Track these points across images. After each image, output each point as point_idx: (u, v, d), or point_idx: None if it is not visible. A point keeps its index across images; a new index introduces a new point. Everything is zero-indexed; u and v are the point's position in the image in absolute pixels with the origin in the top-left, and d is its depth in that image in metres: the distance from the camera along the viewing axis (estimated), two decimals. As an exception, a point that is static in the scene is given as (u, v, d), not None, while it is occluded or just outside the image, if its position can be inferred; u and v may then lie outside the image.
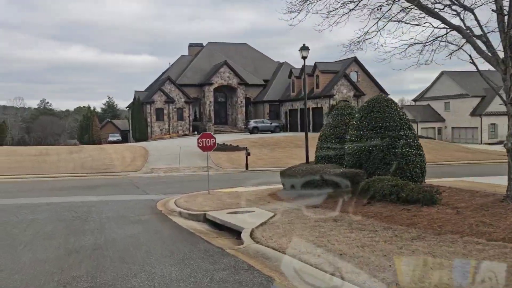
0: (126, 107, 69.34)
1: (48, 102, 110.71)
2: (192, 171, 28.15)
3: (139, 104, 54.82)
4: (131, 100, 60.58)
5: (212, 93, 56.27)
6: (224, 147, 36.72)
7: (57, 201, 15.80)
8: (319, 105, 48.78)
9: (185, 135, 53.89)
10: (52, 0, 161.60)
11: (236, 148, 36.23)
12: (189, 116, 56.19)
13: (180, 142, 43.28)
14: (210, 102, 56.15)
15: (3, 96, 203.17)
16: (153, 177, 25.90)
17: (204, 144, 16.72)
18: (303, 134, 48.15)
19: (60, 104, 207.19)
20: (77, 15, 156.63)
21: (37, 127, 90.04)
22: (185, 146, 39.19)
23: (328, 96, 46.97)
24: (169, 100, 54.89)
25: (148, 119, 54.35)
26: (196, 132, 54.99)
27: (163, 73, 65.53)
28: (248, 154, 28.32)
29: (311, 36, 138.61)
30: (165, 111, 54.97)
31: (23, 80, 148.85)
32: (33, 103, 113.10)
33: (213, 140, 16.77)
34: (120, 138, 65.26)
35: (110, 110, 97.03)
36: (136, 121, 54.28)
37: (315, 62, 49.69)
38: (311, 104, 49.96)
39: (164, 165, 30.48)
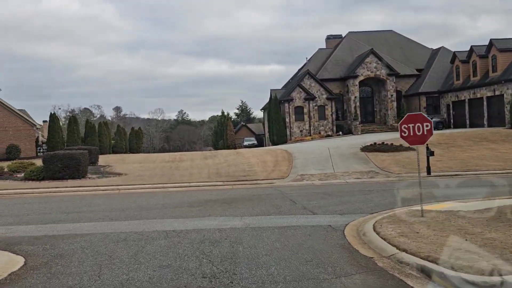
0: (261, 109, 64.99)
1: (185, 113, 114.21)
2: (354, 177, 21.40)
3: (276, 104, 49.50)
4: (262, 109, 56.09)
5: (357, 87, 49.01)
6: (384, 148, 29.45)
7: (182, 228, 10.22)
8: (497, 93, 38.84)
9: (328, 136, 47.28)
10: (189, 19, 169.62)
11: (399, 148, 28.70)
12: (331, 114, 49.47)
13: (326, 144, 36.84)
14: (355, 97, 48.92)
15: (146, 110, 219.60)
16: (306, 186, 19.68)
17: (412, 133, 9.91)
18: (476, 129, 38.98)
19: (196, 115, 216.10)
20: (211, 32, 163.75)
21: (175, 136, 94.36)
22: (334, 148, 32.63)
23: (510, 80, 36.97)
24: (309, 97, 48.76)
25: (287, 119, 48.73)
26: (340, 133, 48.08)
27: (299, 70, 59.85)
28: (431, 153, 20.69)
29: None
30: (305, 110, 48.95)
31: (164, 95, 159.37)
32: (172, 115, 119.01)
33: (427, 126, 9.85)
34: (255, 142, 60.90)
35: (244, 114, 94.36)
36: (273, 122, 49.00)
37: (491, 40, 39.84)
38: (485, 92, 40.26)
39: (315, 170, 24.16)
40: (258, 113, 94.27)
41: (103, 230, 10.35)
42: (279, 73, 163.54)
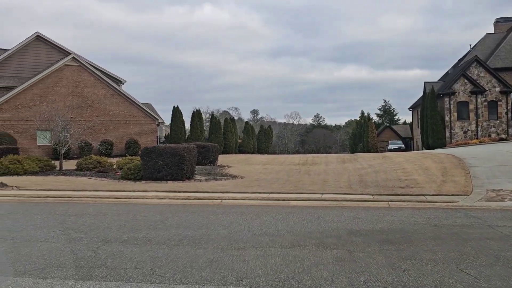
0: (409, 108, 55.71)
1: (321, 117, 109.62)
2: None
3: (432, 98, 40.37)
4: (410, 107, 47.08)
5: (543, 77, 38.08)
6: None
7: None
8: None
9: (502, 139, 37.02)
10: (331, 25, 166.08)
11: None
12: (506, 113, 38.99)
13: (507, 147, 27.52)
14: (541, 90, 38.01)
15: (282, 113, 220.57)
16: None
17: None
18: None
19: (332, 120, 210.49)
20: (352, 37, 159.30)
21: (310, 140, 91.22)
22: (526, 153, 23.49)
23: None
24: (477, 90, 38.96)
25: (446, 118, 39.45)
26: (519, 135, 37.51)
27: (460, 60, 49.61)
28: None
29: None
30: (471, 106, 39.28)
31: (301, 100, 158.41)
32: (308, 119, 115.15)
33: None
34: (402, 145, 51.93)
35: (387, 115, 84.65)
36: (427, 122, 39.99)
37: None
38: None
39: (514, 184, 15.87)
40: (402, 116, 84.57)
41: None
42: (421, 78, 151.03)
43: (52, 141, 26.64)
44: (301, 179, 19.54)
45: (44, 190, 16.08)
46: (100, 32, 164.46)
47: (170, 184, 17.95)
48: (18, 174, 21.79)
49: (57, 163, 24.81)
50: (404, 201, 13.52)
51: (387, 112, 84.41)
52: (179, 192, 15.65)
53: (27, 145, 33.07)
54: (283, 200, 13.87)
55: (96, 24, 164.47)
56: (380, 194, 14.73)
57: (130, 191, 15.83)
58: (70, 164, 26.45)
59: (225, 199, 14.09)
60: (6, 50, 36.88)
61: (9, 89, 34.14)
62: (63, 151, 25.32)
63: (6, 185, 17.09)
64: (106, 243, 7.45)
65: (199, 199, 14.24)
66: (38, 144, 33.47)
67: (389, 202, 13.34)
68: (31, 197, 14.59)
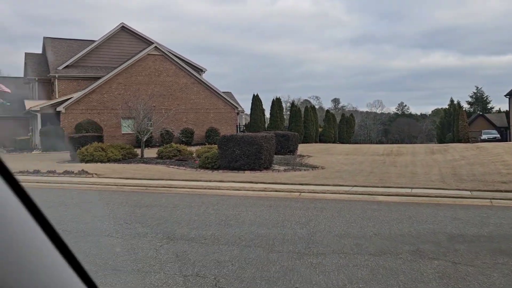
0: (506, 95, 51.11)
1: (405, 105, 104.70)
2: None
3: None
4: (507, 94, 42.84)
5: None
6: None
7: None
8: None
9: None
10: (418, 11, 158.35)
11: None
12: None
13: None
14: None
15: (365, 102, 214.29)
16: None
17: None
18: None
19: (417, 109, 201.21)
20: (440, 22, 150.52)
21: (394, 129, 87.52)
22: None
23: None
24: None
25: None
26: None
27: None
28: None
29: None
30: None
31: (384, 89, 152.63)
32: (391, 108, 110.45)
33: None
34: (498, 135, 47.85)
35: (479, 103, 78.72)
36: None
37: None
38: None
39: None
40: (496, 104, 78.26)
41: None
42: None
43: (134, 129, 27.08)
44: (386, 171, 18.09)
45: (122, 178, 16.04)
46: (184, 24, 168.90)
47: (247, 174, 17.28)
48: (102, 162, 22.23)
49: (139, 151, 25.14)
50: (509, 199, 11.78)
51: (479, 100, 78.33)
52: (256, 183, 14.90)
53: (112, 133, 34.10)
54: (368, 194, 12.63)
55: (181, 16, 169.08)
56: (479, 190, 13.03)
57: (205, 181, 15.34)
58: (151, 152, 26.76)
59: (304, 192, 13.11)
60: (93, 41, 38.27)
61: (96, 78, 35.36)
62: (144, 139, 25.61)
63: (86, 172, 17.31)
64: (171, 241, 6.78)
65: (276, 191, 13.38)
66: (122, 132, 34.41)
67: (492, 200, 11.67)
68: (108, 185, 14.53)
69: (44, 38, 40.80)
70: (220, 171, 18.42)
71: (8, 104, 36.90)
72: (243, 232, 7.51)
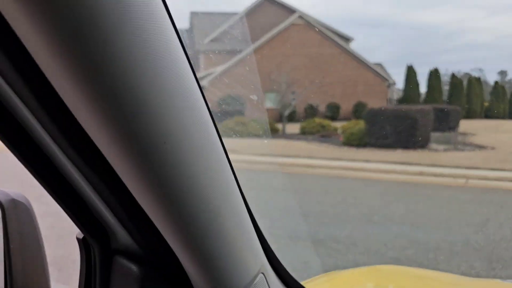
0: None
1: None
2: None
3: None
4: None
5: None
6: None
7: None
8: None
9: None
10: None
11: None
12: None
13: None
14: None
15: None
16: None
17: None
18: None
19: None
20: None
21: None
22: None
23: None
24: None
25: None
26: None
27: None
28: None
29: None
30: None
31: None
32: None
33: None
34: None
35: None
36: None
37: None
38: None
39: None
40: None
41: None
42: None
43: (277, 104, 26.08)
44: None
45: (256, 155, 14.81)
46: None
47: (399, 154, 14.82)
48: (242, 137, 21.49)
49: (280, 126, 24.10)
50: None
51: None
52: (409, 165, 12.44)
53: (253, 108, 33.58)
54: None
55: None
56: None
57: (348, 160, 13.32)
58: (293, 128, 25.50)
59: (472, 178, 10.36)
60: (236, 13, 37.98)
61: (238, 52, 35.03)
62: (286, 114, 24.43)
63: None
64: (291, 242, 5.02)
65: (435, 175, 10.83)
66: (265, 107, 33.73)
67: None
68: (237, 163, 13.38)
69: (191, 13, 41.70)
70: (367, 149, 16.20)
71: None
72: (388, 235, 5.46)
